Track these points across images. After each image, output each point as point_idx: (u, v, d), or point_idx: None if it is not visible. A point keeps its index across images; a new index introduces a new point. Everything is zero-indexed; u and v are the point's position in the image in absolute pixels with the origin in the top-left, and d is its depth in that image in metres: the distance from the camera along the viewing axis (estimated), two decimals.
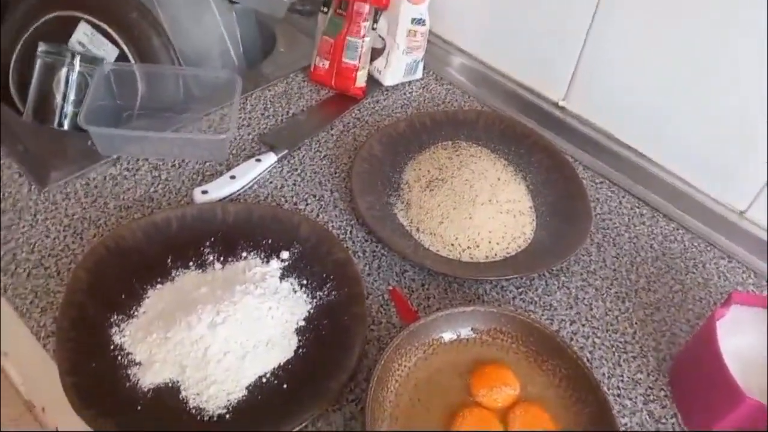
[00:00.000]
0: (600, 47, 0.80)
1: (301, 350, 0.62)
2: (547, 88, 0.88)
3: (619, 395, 0.62)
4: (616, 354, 0.65)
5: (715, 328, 0.57)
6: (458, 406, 0.58)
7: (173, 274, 0.66)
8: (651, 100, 0.79)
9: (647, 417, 0.61)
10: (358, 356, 0.59)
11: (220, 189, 0.74)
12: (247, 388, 0.58)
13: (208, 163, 0.79)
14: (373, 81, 0.92)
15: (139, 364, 0.59)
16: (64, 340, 0.58)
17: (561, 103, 0.87)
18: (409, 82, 0.94)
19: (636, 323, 0.68)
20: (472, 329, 0.63)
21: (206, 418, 0.56)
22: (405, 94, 0.92)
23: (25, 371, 0.72)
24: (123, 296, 0.63)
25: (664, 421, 0.61)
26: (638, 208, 0.80)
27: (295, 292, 0.66)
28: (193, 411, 0.56)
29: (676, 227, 0.78)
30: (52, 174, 0.75)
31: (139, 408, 0.56)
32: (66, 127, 0.82)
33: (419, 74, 0.94)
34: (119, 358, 0.59)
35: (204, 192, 0.73)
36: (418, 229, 0.73)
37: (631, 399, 0.62)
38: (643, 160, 0.82)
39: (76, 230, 0.70)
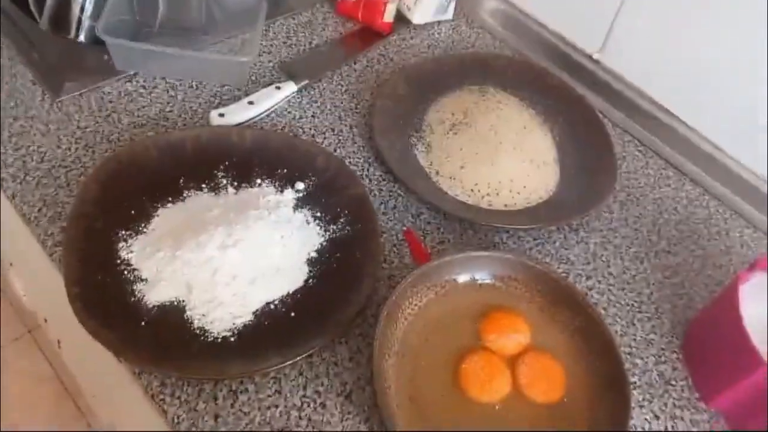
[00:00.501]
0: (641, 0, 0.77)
1: (311, 281, 0.60)
2: (582, 39, 0.84)
3: (630, 354, 0.61)
4: (631, 313, 0.64)
5: (738, 292, 0.55)
6: (466, 349, 0.57)
7: (185, 195, 0.64)
8: (689, 59, 0.75)
9: (657, 378, 0.60)
10: (368, 291, 0.58)
11: (237, 113, 0.71)
12: (253, 313, 0.57)
13: (226, 87, 0.76)
14: (401, 19, 0.88)
15: (145, 280, 0.58)
16: (71, 249, 0.57)
17: (595, 56, 0.84)
18: (438, 23, 0.90)
19: (653, 284, 0.66)
20: (486, 275, 0.61)
21: (210, 339, 0.55)
22: (433, 34, 0.89)
23: (29, 282, 0.71)
24: (132, 212, 0.62)
25: (673, 383, 0.59)
26: (665, 170, 0.78)
27: (308, 223, 0.64)
28: (197, 331, 0.55)
29: (702, 192, 0.76)
30: (66, 85, 0.73)
31: (143, 324, 0.55)
32: (82, 39, 0.79)
33: (449, 15, 0.90)
34: (125, 273, 0.58)
35: (221, 115, 0.71)
36: (437, 172, 0.71)
37: (642, 359, 0.61)
38: (675, 121, 0.79)
39: (87, 143, 0.68)
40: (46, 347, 1.41)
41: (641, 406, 0.57)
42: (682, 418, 0.57)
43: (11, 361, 1.39)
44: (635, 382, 0.59)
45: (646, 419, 0.57)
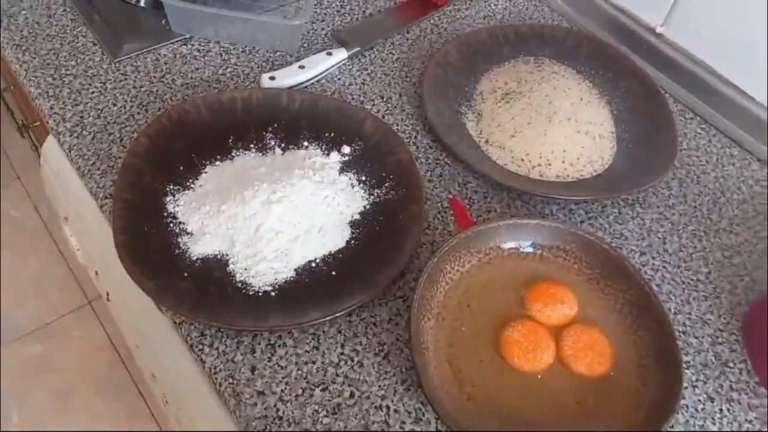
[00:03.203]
0: None
1: (353, 242, 0.60)
2: (645, 11, 0.81)
3: (684, 332, 0.58)
4: (686, 291, 0.61)
5: None
6: (509, 317, 0.55)
7: (233, 154, 0.65)
8: (759, 32, 0.71)
9: (713, 358, 0.56)
10: (409, 254, 0.57)
11: (287, 77, 0.71)
12: (295, 269, 0.57)
13: (278, 53, 0.77)
14: None
15: (190, 234, 0.58)
16: (119, 200, 0.58)
17: (659, 30, 0.80)
18: None
19: (712, 263, 0.63)
20: (533, 244, 0.59)
21: (251, 293, 0.55)
22: (489, 5, 0.87)
23: (82, 236, 0.73)
24: (181, 168, 0.63)
25: (731, 365, 0.56)
26: (729, 148, 0.74)
27: (353, 186, 0.64)
28: (239, 284, 0.55)
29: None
30: (125, 46, 0.75)
31: (186, 275, 0.56)
32: (143, 4, 0.81)
33: None
34: (171, 225, 0.59)
35: (271, 78, 0.71)
36: (487, 141, 0.69)
37: (697, 338, 0.58)
38: (742, 97, 0.74)
39: (142, 102, 0.70)
40: (104, 318, 1.46)
41: (694, 386, 0.54)
42: (739, 402, 0.54)
43: (71, 328, 1.45)
44: (688, 362, 0.56)
45: (699, 400, 0.54)
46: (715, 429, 0.52)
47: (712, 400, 0.54)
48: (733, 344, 0.58)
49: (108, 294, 0.69)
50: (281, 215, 0.58)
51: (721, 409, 0.53)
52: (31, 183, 1.70)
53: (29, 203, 1.66)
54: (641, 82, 0.75)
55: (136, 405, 1.35)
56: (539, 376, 0.52)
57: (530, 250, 0.59)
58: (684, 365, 0.55)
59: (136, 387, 1.37)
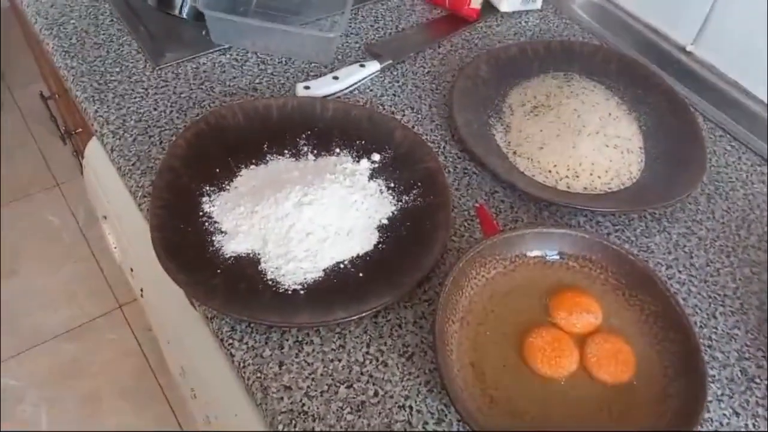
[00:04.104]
0: None
1: (380, 246, 0.61)
2: (675, 30, 0.82)
3: (710, 346, 0.58)
4: (713, 306, 0.60)
5: None
6: (534, 324, 0.55)
7: (267, 158, 0.67)
8: None
9: (739, 373, 0.56)
10: (435, 259, 0.58)
11: (321, 87, 0.74)
12: (324, 270, 0.58)
13: (313, 65, 0.79)
14: (489, 6, 0.89)
15: (225, 232, 0.60)
16: (157, 198, 0.61)
17: (689, 48, 0.81)
18: (526, 12, 0.90)
19: (739, 279, 0.63)
20: (559, 253, 0.60)
21: (281, 291, 0.56)
22: (520, 22, 0.88)
23: (119, 234, 0.76)
24: (217, 170, 0.65)
25: (757, 381, 0.56)
26: (759, 166, 0.74)
27: (382, 192, 0.65)
28: (270, 282, 0.57)
29: None
30: (167, 55, 0.78)
31: (219, 271, 0.57)
32: (185, 16, 0.84)
33: (538, 4, 0.90)
34: (206, 224, 0.61)
35: (306, 87, 0.73)
36: (515, 153, 0.71)
37: (723, 352, 0.57)
38: None
39: (181, 107, 0.73)
40: (135, 324, 1.49)
41: (719, 400, 0.54)
42: (765, 418, 0.54)
43: (102, 333, 1.49)
44: (714, 375, 0.56)
45: (724, 414, 0.53)
46: None
47: (737, 414, 0.54)
48: (760, 360, 0.57)
49: (142, 290, 0.72)
50: (312, 217, 0.59)
51: (746, 425, 0.53)
52: (69, 190, 1.76)
53: (67, 209, 1.72)
54: (670, 99, 0.76)
55: (163, 412, 1.38)
56: (562, 383, 0.52)
57: (556, 258, 0.60)
58: (709, 379, 0.55)
59: (163, 394, 1.40)
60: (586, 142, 0.69)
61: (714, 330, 0.59)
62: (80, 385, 1.40)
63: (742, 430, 0.53)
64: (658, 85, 0.77)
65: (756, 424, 0.53)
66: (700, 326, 0.59)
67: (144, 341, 1.46)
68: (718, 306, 0.61)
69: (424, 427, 0.51)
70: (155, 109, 0.72)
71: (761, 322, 0.60)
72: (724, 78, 0.78)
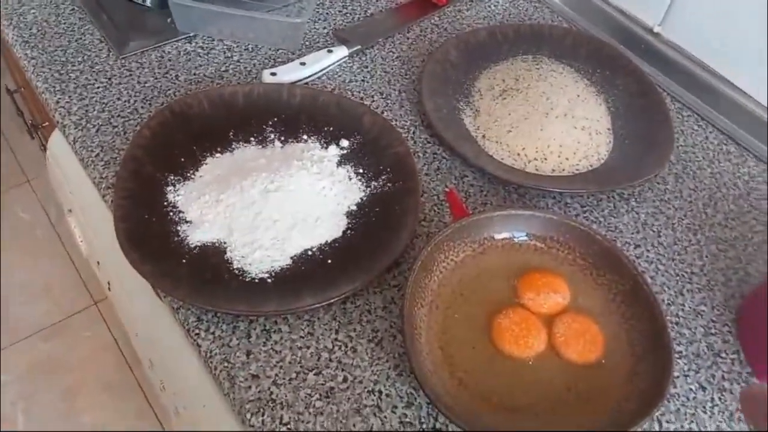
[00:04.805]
0: None
1: (349, 232, 0.60)
2: (643, 12, 0.82)
3: (677, 323, 0.58)
4: (680, 283, 0.61)
5: None
6: (502, 306, 0.55)
7: (233, 146, 0.66)
8: (755, 32, 0.71)
9: (705, 348, 0.57)
10: (404, 243, 0.58)
11: (288, 73, 0.73)
12: (291, 257, 0.58)
13: (280, 51, 0.78)
14: None
15: (190, 222, 0.59)
16: (121, 189, 0.60)
17: (656, 29, 0.81)
18: None
19: (706, 257, 0.63)
20: (527, 234, 0.60)
21: (248, 279, 0.56)
22: (490, 6, 0.88)
23: (85, 227, 0.75)
24: (182, 159, 0.64)
25: (723, 355, 0.56)
26: (726, 145, 0.74)
27: (350, 179, 0.65)
28: (236, 271, 0.56)
29: (766, 169, 0.72)
30: (131, 44, 0.76)
31: (184, 261, 0.57)
32: (149, 4, 0.83)
33: None
34: (171, 214, 0.60)
35: (273, 74, 0.72)
36: (484, 136, 0.70)
37: (690, 329, 0.58)
38: (739, 95, 0.75)
39: (146, 97, 0.71)
40: (111, 320, 1.48)
41: (686, 376, 0.55)
42: (731, 391, 0.54)
43: (78, 329, 1.47)
44: (681, 351, 0.56)
45: (690, 389, 0.54)
46: (707, 417, 0.52)
47: (704, 389, 0.54)
48: (726, 335, 0.58)
49: (109, 284, 0.71)
50: (278, 204, 0.59)
51: (712, 398, 0.54)
52: (39, 185, 1.73)
53: (38, 206, 1.69)
54: (638, 80, 0.76)
55: (141, 406, 1.37)
56: (530, 363, 0.52)
57: (524, 240, 0.60)
58: (676, 355, 0.56)
59: (141, 388, 1.38)
60: (554, 125, 0.69)
61: (681, 307, 0.59)
62: (57, 382, 1.39)
63: (709, 404, 0.53)
64: (627, 67, 0.78)
65: (722, 397, 0.54)
66: (668, 303, 0.59)
67: (120, 336, 1.45)
68: (685, 283, 0.61)
69: (393, 411, 0.51)
70: (119, 99, 0.71)
71: (727, 298, 0.60)
72: (691, 58, 0.78)
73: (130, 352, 1.42)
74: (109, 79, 0.73)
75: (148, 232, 0.58)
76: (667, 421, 0.52)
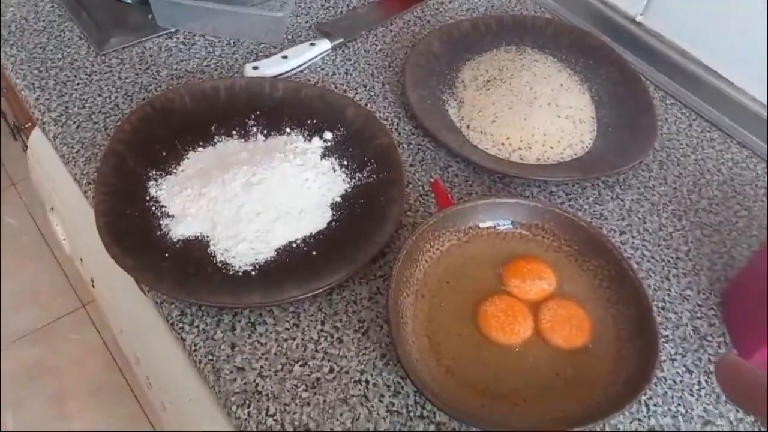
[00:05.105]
0: None
1: (334, 223, 0.60)
2: (624, 1, 0.82)
3: (663, 308, 0.58)
4: (666, 268, 0.61)
5: None
6: (488, 293, 0.55)
7: (215, 140, 0.66)
8: (737, 19, 0.72)
9: (692, 332, 0.57)
10: (389, 234, 0.58)
11: (270, 67, 0.72)
12: (276, 250, 0.57)
13: (262, 45, 0.78)
14: None
15: (172, 216, 0.59)
16: (102, 184, 0.59)
17: (638, 18, 0.81)
18: None
19: (691, 242, 0.63)
20: (512, 222, 0.60)
21: (231, 272, 0.55)
22: None
23: (68, 224, 0.74)
24: (164, 153, 0.63)
25: (709, 339, 0.56)
26: (709, 132, 0.74)
27: (335, 170, 0.64)
28: (220, 265, 0.56)
29: (749, 155, 0.72)
30: (112, 40, 0.76)
31: (167, 255, 0.56)
32: (130, 0, 0.82)
33: None
34: (153, 209, 0.59)
35: (255, 68, 0.72)
36: (468, 126, 0.70)
37: (676, 313, 0.58)
38: (721, 82, 0.75)
39: (127, 92, 0.71)
40: (100, 323, 1.46)
41: (673, 360, 0.55)
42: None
43: (66, 332, 1.46)
44: (667, 336, 0.56)
45: (677, 372, 0.54)
46: (693, 399, 0.52)
47: (690, 372, 0.54)
48: (712, 319, 0.58)
49: (93, 280, 0.70)
50: (261, 197, 0.58)
51: (699, 381, 0.54)
52: (25, 189, 1.71)
53: (24, 210, 1.67)
54: (621, 69, 0.76)
55: (131, 408, 1.35)
56: (517, 349, 0.52)
57: (509, 228, 0.60)
58: (663, 339, 0.56)
59: (131, 390, 1.37)
60: (538, 114, 0.69)
61: (667, 292, 0.59)
62: (47, 387, 1.38)
63: (695, 387, 0.53)
64: (609, 56, 0.78)
65: (708, 380, 0.54)
66: (654, 289, 0.59)
67: (109, 339, 1.44)
68: (671, 268, 0.61)
69: (380, 400, 0.50)
70: (99, 95, 0.70)
71: (712, 282, 0.60)
72: (672, 46, 0.79)
73: (119, 354, 1.41)
74: (89, 75, 0.72)
75: (130, 227, 0.57)
76: (655, 405, 0.52)
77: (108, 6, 0.81)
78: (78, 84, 0.71)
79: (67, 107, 0.68)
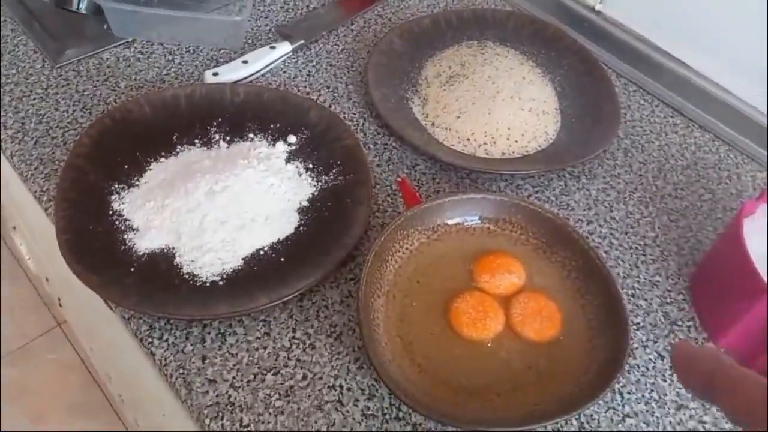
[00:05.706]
0: None
1: (301, 228, 0.60)
2: None
3: (633, 295, 0.59)
4: (634, 256, 0.62)
5: (742, 222, 0.53)
6: (459, 290, 0.55)
7: (178, 150, 0.65)
8: (694, 4, 0.73)
9: (662, 318, 0.57)
10: (357, 236, 0.57)
11: (231, 72, 0.71)
12: (243, 258, 0.57)
13: (222, 51, 0.77)
14: None
15: (136, 229, 0.58)
16: (62, 199, 0.58)
17: (597, 7, 0.82)
18: None
19: (658, 228, 0.64)
20: (479, 218, 0.60)
21: (199, 284, 0.55)
22: None
23: (31, 243, 0.72)
24: (126, 166, 0.62)
25: (680, 323, 0.57)
26: (672, 117, 0.75)
27: (300, 175, 0.64)
28: (186, 276, 0.55)
29: (711, 138, 0.73)
30: (66, 52, 0.74)
31: (132, 270, 0.55)
32: (84, 11, 0.80)
33: None
34: (117, 223, 0.58)
35: (215, 74, 0.71)
36: (433, 124, 0.70)
37: (646, 300, 0.58)
38: (682, 67, 0.76)
39: (85, 105, 0.69)
40: (74, 340, 1.44)
41: (645, 346, 0.55)
42: None
43: (42, 352, 1.43)
44: (638, 323, 0.57)
45: (650, 358, 0.54)
46: (666, 384, 0.53)
47: (662, 357, 0.55)
48: (681, 303, 0.58)
49: (59, 299, 0.69)
50: (225, 205, 0.58)
51: (671, 366, 0.54)
52: None
53: None
54: (583, 59, 0.77)
55: (111, 423, 1.33)
56: (489, 344, 0.52)
57: (477, 224, 0.60)
58: (634, 326, 0.56)
59: (111, 405, 1.35)
60: (501, 108, 0.69)
61: (637, 279, 0.60)
62: (26, 407, 1.35)
63: (668, 372, 0.54)
64: (571, 46, 0.78)
65: None
66: (624, 277, 0.60)
67: (86, 356, 1.41)
68: (639, 255, 0.62)
69: (355, 404, 0.50)
70: (57, 110, 0.69)
71: (681, 266, 0.61)
72: (632, 34, 0.79)
73: (96, 371, 1.38)
74: (46, 89, 0.70)
75: (94, 243, 0.56)
76: (629, 392, 0.52)
77: (62, 17, 0.79)
78: (34, 99, 0.69)
79: (23, 123, 0.67)
